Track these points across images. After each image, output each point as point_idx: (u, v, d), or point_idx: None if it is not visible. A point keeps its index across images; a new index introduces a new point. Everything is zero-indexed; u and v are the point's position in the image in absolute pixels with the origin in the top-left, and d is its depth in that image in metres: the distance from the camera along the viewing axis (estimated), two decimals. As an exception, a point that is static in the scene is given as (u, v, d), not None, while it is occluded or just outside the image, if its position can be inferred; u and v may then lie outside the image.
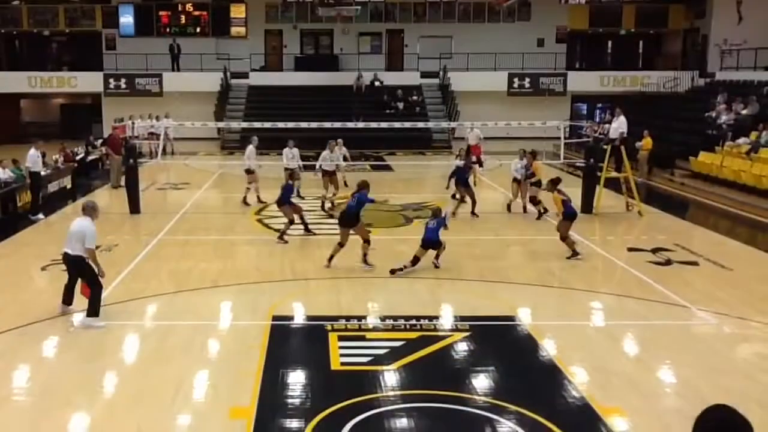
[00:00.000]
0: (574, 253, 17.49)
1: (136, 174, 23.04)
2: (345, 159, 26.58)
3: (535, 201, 22.40)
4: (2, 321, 12.93)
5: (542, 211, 22.14)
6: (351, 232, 16.65)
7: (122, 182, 26.11)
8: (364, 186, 16.71)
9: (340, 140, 26.37)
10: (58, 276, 15.31)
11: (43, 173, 24.10)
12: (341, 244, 16.59)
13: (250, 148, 24.35)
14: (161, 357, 11.49)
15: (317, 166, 24.14)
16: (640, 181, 24.77)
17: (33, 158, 23.71)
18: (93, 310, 12.61)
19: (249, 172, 24.25)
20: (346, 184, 24.94)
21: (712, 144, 29.78)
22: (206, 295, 14.84)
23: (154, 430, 9.31)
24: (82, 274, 12.71)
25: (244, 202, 24.04)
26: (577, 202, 22.63)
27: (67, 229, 12.87)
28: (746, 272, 16.76)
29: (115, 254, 17.42)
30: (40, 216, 22.13)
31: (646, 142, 28.82)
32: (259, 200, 24.20)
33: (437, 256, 16.66)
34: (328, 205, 23.28)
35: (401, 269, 16.13)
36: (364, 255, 16.64)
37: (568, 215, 17.79)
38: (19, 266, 16.90)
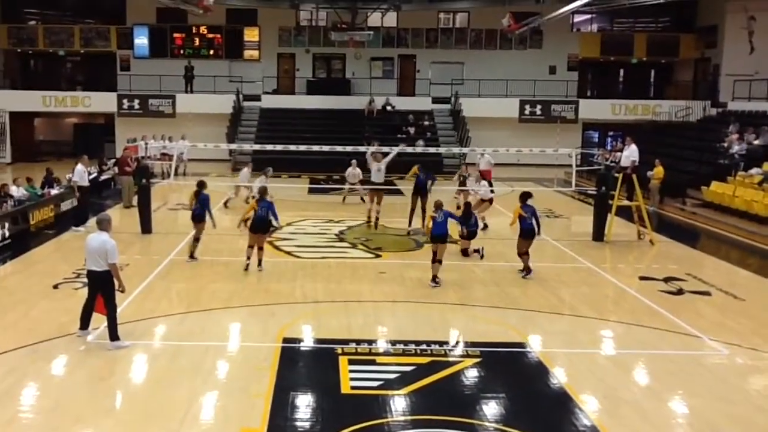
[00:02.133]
0: (527, 270, 18.14)
1: (149, 194, 23.07)
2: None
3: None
4: (13, 338, 12.95)
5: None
6: None
7: (134, 202, 26.20)
8: None
9: (354, 161, 26.67)
10: (69, 294, 15.34)
11: (59, 192, 24.32)
12: None
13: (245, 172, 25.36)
14: (171, 377, 11.45)
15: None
16: (652, 210, 24.68)
17: (80, 173, 23.84)
18: (114, 333, 12.63)
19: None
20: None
21: (724, 174, 29.72)
22: (217, 316, 14.80)
23: (163, 451, 9.27)
24: (105, 290, 12.65)
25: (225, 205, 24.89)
26: (588, 230, 22.78)
27: (85, 246, 12.78)
28: (759, 303, 16.69)
29: (126, 274, 17.25)
30: (81, 229, 22.17)
31: (658, 171, 28.72)
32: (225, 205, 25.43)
33: (474, 250, 18.30)
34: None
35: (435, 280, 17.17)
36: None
37: (522, 231, 18.21)
38: (31, 283, 16.82)
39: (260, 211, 18.10)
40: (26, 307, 15.01)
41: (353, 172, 28.86)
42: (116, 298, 12.86)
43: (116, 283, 12.66)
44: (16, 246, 20.65)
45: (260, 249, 18.49)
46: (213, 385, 11.23)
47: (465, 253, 20.46)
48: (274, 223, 19.09)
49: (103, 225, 12.86)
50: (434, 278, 17.26)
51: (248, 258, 18.32)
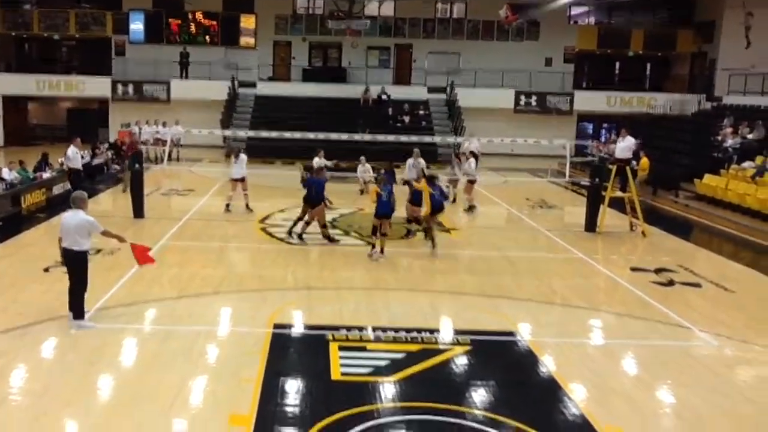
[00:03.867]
0: (432, 243, 19.02)
1: (141, 179, 23.04)
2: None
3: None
4: (3, 321, 12.92)
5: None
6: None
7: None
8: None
9: (362, 158, 26.81)
10: (60, 277, 15.24)
11: (51, 175, 24.23)
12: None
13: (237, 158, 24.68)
14: (161, 361, 11.44)
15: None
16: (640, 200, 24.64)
17: (73, 155, 23.78)
18: (79, 312, 12.63)
19: (239, 180, 24.33)
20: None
21: (718, 167, 29.77)
22: (208, 301, 14.78)
23: (151, 433, 9.26)
24: (78, 270, 12.60)
25: (227, 208, 24.14)
26: (580, 221, 22.83)
27: (61, 225, 12.74)
28: (749, 295, 16.72)
29: (118, 258, 17.32)
30: None
31: (643, 163, 28.74)
32: (248, 207, 24.24)
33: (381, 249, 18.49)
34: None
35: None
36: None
37: (433, 207, 18.96)
38: (22, 267, 16.80)
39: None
40: (16, 290, 14.96)
41: (363, 168, 28.68)
42: (92, 281, 12.92)
43: (116, 239, 12.99)
44: (7, 229, 20.62)
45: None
46: (203, 370, 11.21)
47: (412, 221, 21.03)
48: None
49: (78, 203, 12.73)
50: (381, 250, 18.30)
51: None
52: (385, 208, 18.38)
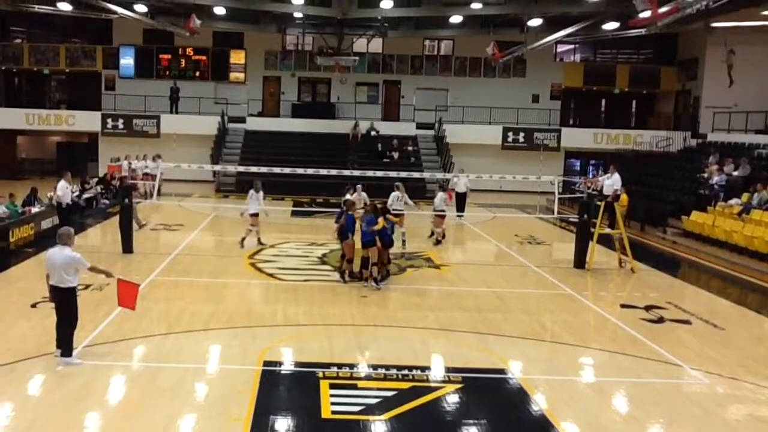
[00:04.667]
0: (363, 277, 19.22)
1: (131, 214, 22.88)
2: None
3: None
4: (-10, 357, 12.70)
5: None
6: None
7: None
8: None
9: (359, 186, 26.75)
10: (48, 313, 15.05)
11: (40, 210, 24.02)
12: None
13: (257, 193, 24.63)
14: (149, 399, 11.24)
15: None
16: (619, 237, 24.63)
17: (63, 189, 23.60)
18: (67, 350, 12.41)
19: (253, 215, 24.31)
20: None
21: (704, 204, 29.80)
22: (197, 337, 14.60)
23: (139, 474, 9.06)
24: (66, 307, 12.39)
25: (242, 244, 23.90)
26: (569, 257, 22.79)
27: (46, 262, 12.55)
28: (738, 332, 16.63)
29: (107, 293, 17.13)
30: None
31: (622, 199, 28.78)
32: (260, 242, 24.24)
33: (375, 278, 18.75)
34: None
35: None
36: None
37: (384, 243, 18.95)
38: (9, 302, 16.56)
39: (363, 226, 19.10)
40: (4, 325, 14.75)
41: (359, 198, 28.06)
42: (80, 317, 12.73)
43: (104, 274, 12.89)
44: (-6, 264, 20.41)
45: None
46: (191, 408, 11.01)
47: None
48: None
49: (64, 239, 12.51)
50: (375, 280, 18.75)
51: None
52: (366, 237, 18.71)
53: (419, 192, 40.35)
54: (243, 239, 24.03)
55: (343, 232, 19.30)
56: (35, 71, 49.48)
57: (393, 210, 24.18)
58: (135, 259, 21.76)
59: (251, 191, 24.73)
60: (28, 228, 23.80)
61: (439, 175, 37.75)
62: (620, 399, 12.30)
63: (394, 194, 25.83)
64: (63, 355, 12.41)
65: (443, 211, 26.48)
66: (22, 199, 25.75)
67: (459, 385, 12.36)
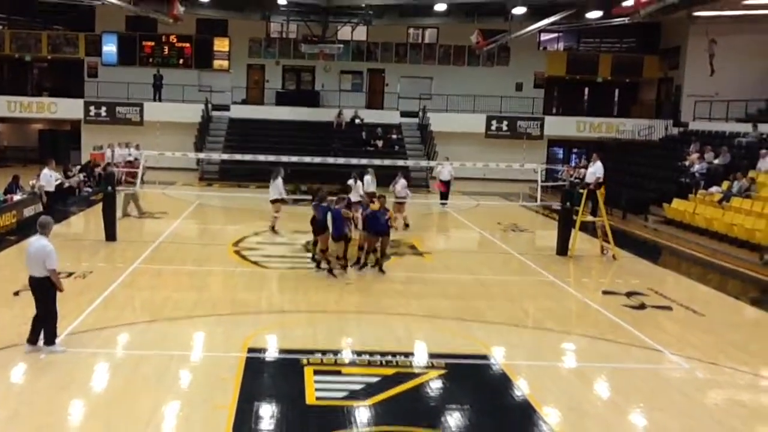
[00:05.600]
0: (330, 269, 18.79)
1: (114, 201, 22.73)
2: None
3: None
4: (-28, 346, 12.66)
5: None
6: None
7: (129, 211, 26.30)
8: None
9: (368, 176, 26.85)
10: (30, 302, 15.02)
11: (22, 198, 23.88)
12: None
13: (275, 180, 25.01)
14: (133, 387, 11.23)
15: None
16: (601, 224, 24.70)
17: (46, 177, 23.46)
18: (50, 339, 12.38)
19: (273, 201, 24.72)
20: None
21: (686, 192, 29.96)
22: (181, 325, 14.59)
23: (124, 460, 9.07)
24: (44, 297, 12.33)
25: (273, 230, 24.30)
26: (552, 244, 22.93)
27: (26, 251, 12.51)
28: (718, 318, 16.77)
29: (90, 281, 17.15)
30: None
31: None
32: (272, 230, 24.43)
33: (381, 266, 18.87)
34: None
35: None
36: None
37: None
38: (-8, 290, 16.42)
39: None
40: (-13, 313, 14.66)
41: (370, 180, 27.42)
42: (59, 305, 12.66)
43: (57, 285, 12.35)
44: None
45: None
46: (176, 396, 11.02)
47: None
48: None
49: (44, 230, 12.45)
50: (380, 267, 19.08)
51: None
52: (379, 226, 18.97)
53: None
54: (272, 226, 24.32)
55: (319, 225, 18.92)
56: (17, 58, 49.12)
57: (397, 198, 24.56)
58: (119, 247, 21.68)
59: (270, 180, 25.13)
60: (10, 216, 23.60)
61: (423, 163, 37.70)
62: (602, 384, 12.39)
63: (367, 178, 25.89)
64: (46, 343, 12.37)
65: (404, 198, 26.48)
66: (4, 187, 25.53)
67: (442, 371, 12.40)
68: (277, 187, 24.67)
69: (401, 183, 26.72)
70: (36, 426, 9.84)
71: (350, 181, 25.19)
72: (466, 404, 11.16)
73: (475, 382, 12.26)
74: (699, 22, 39.26)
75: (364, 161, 27.42)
